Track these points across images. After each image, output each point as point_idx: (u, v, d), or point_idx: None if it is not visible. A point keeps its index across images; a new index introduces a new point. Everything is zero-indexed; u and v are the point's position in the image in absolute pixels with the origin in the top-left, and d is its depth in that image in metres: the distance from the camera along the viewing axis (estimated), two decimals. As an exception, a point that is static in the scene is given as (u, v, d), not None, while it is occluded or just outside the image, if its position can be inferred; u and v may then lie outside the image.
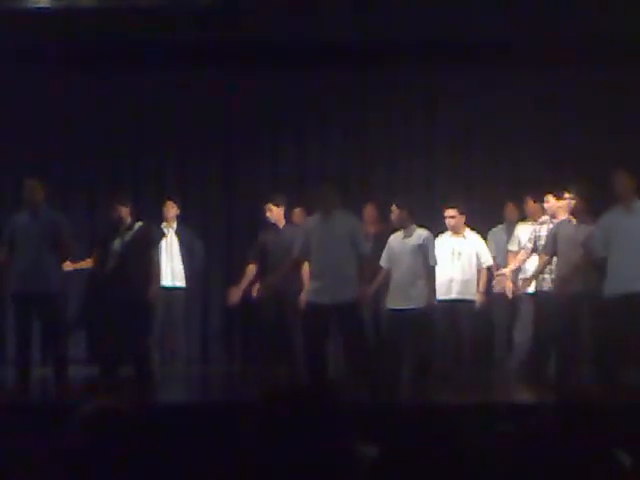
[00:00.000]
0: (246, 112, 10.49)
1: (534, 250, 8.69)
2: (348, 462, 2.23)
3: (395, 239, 8.61)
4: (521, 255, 8.86)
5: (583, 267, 7.86)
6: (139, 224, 8.45)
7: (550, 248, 8.20)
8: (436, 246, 8.68)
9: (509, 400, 7.74)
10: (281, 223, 8.95)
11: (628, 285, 7.36)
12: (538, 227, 8.79)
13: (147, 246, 8.40)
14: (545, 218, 8.82)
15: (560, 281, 8.03)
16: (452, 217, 8.96)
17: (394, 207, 8.60)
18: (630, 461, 2.77)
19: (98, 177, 10.72)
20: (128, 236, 8.35)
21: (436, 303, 8.45)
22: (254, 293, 8.99)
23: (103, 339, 8.72)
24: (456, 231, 8.98)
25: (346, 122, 10.77)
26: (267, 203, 8.96)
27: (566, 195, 8.21)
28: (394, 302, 8.45)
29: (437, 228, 8.98)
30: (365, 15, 9.09)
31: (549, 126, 10.22)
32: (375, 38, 9.47)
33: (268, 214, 8.94)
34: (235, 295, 8.90)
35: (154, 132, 10.47)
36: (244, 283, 8.91)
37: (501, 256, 9.31)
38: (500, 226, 9.74)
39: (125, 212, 8.43)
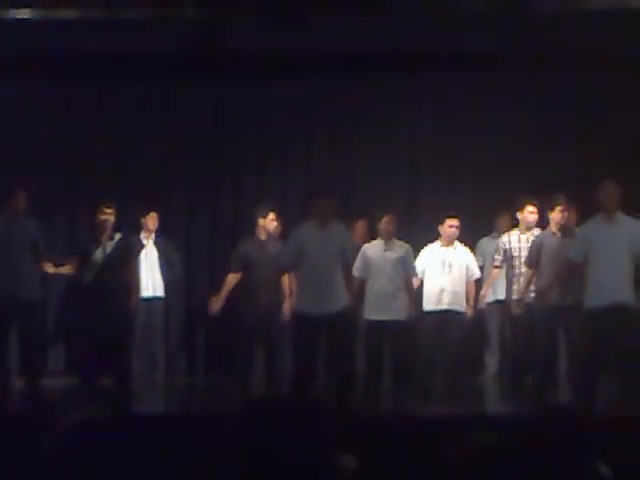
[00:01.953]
0: (232, 124, 10.48)
1: (505, 262, 8.70)
2: (329, 473, 2.23)
3: (372, 250, 8.56)
4: (494, 270, 8.89)
5: (563, 278, 7.85)
6: (119, 235, 8.43)
7: (534, 260, 8.16)
8: (426, 256, 8.70)
9: (493, 412, 7.76)
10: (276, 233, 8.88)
11: (610, 296, 7.30)
12: (506, 238, 8.78)
13: (127, 257, 8.39)
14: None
15: (540, 293, 8.02)
16: (456, 227, 8.82)
17: (388, 217, 8.56)
18: (610, 473, 2.78)
19: (80, 186, 10.68)
20: (109, 247, 8.33)
21: (419, 314, 8.48)
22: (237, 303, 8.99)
23: (82, 350, 8.68)
24: (451, 242, 8.92)
25: (333, 133, 10.76)
26: (269, 213, 8.73)
27: (557, 206, 8.16)
28: (374, 313, 8.43)
29: (420, 239, 9.00)
30: (351, 26, 9.08)
31: (538, 136, 10.22)
32: (368, 49, 9.47)
33: (272, 224, 8.73)
34: (215, 305, 8.88)
35: (139, 142, 10.43)
36: (224, 293, 8.88)
37: (488, 267, 9.30)
38: (485, 238, 9.72)
39: (108, 223, 8.37)
